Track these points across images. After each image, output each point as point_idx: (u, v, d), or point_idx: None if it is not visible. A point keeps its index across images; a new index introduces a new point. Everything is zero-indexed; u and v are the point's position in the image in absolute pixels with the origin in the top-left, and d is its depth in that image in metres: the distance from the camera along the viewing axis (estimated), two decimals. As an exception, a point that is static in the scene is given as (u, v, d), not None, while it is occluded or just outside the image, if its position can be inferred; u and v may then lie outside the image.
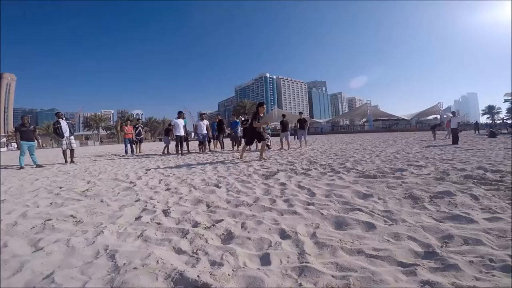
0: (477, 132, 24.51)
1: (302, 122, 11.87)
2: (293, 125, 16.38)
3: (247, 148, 7.99)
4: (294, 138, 14.99)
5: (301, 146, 11.38)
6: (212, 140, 12.36)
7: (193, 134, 11.96)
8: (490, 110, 68.48)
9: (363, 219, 2.24)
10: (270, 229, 2.11)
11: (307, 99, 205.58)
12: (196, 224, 2.30)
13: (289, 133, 11.60)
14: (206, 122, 11.02)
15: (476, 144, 10.78)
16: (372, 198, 2.89)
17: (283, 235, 1.99)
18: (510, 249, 1.64)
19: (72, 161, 8.97)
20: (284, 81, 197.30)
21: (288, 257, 1.65)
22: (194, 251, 1.80)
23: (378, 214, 2.37)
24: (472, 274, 1.40)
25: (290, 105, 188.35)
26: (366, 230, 2.05)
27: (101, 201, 3.23)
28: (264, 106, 7.13)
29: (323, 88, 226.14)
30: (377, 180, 3.84)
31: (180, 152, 10.23)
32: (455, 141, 11.13)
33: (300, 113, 12.58)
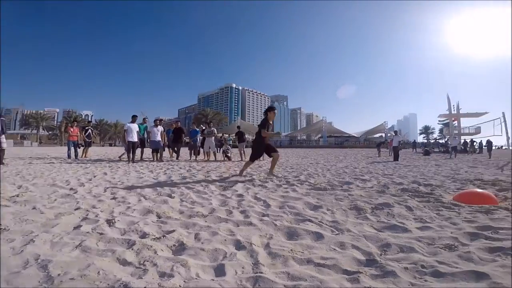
0: (414, 150, 27.69)
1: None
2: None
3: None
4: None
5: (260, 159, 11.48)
6: (167, 148, 11.86)
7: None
8: (426, 130, 77.03)
9: (313, 229, 2.33)
10: (225, 240, 2.08)
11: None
12: (144, 235, 2.17)
13: (244, 144, 11.72)
14: (160, 128, 10.55)
15: (413, 161, 12.14)
16: (322, 209, 3.04)
17: (239, 246, 1.98)
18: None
19: (1, 163, 7.84)
20: (249, 93, 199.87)
21: (243, 268, 1.64)
22: (141, 262, 1.69)
23: (326, 225, 2.49)
24: (408, 280, 1.51)
25: (253, 117, 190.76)
26: (315, 240, 2.13)
27: (34, 208, 2.87)
28: (275, 111, 5.84)
29: (285, 103, 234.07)
30: (327, 192, 4.07)
31: (132, 159, 9.61)
32: (396, 158, 12.37)
33: (259, 125, 12.74)
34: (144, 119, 11.43)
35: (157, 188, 4.30)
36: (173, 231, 2.26)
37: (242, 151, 11.39)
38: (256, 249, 1.90)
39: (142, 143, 10.65)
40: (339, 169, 7.64)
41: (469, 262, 1.70)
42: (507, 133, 17.94)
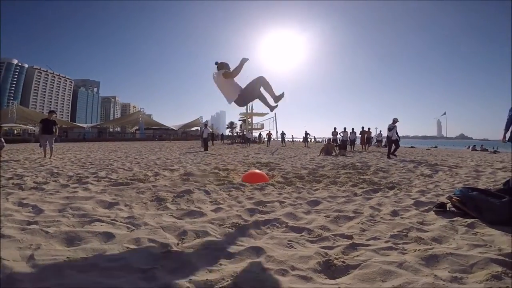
0: (222, 141, 32.76)
1: (49, 123, 9.11)
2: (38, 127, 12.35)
3: None
4: (40, 146, 11.31)
5: (45, 156, 8.43)
6: None
7: None
8: (231, 125, 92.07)
9: (102, 229, 2.01)
10: None
11: (70, 99, 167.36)
12: None
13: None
14: None
15: (220, 150, 13.99)
16: (118, 206, 2.73)
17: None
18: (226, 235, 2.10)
19: None
20: (41, 72, 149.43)
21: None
22: None
23: (121, 222, 2.23)
24: (205, 267, 1.49)
25: (43, 103, 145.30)
26: (104, 241, 1.84)
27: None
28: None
29: (95, 89, 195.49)
30: (129, 187, 3.73)
31: None
32: (206, 148, 13.69)
33: (51, 112, 9.28)
34: None
35: None
36: None
37: None
38: (10, 264, 1.43)
39: None
40: (150, 161, 7.35)
41: (249, 238, 1.95)
42: (276, 127, 25.67)
